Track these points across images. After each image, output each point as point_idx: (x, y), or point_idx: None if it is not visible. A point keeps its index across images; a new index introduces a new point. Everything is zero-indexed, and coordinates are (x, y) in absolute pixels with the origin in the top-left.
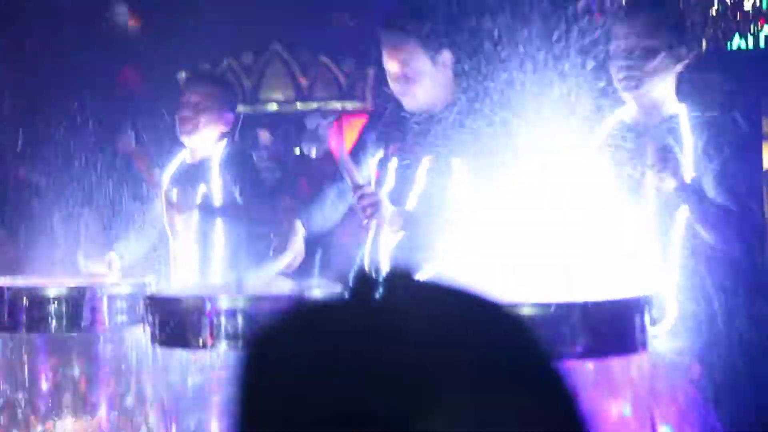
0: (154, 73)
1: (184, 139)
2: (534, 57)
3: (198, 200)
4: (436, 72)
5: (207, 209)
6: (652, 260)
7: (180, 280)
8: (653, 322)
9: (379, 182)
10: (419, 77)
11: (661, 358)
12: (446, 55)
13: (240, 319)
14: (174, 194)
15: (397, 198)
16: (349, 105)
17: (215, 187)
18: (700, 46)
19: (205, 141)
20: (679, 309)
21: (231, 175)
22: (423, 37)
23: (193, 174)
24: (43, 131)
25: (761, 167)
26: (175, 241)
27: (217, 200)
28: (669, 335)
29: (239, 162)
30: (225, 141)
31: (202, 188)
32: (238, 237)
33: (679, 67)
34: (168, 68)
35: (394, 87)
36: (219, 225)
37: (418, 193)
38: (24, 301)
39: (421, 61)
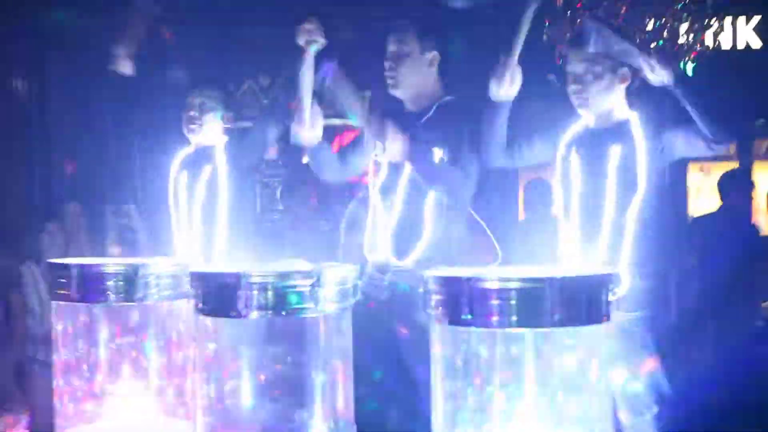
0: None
1: (190, 134)
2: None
3: (204, 181)
4: (421, 63)
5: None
6: (612, 239)
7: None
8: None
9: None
10: (408, 61)
11: (617, 327)
12: (434, 54)
13: (269, 292)
14: (184, 176)
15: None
16: (349, 121)
17: (221, 170)
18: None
19: (208, 133)
20: (631, 282)
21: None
22: (420, 31)
23: (198, 159)
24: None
25: None
26: (180, 221)
27: (222, 182)
28: (625, 306)
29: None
30: (225, 133)
31: (207, 170)
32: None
33: (624, 84)
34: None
35: (387, 72)
36: (225, 203)
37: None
38: (87, 276)
39: (414, 48)
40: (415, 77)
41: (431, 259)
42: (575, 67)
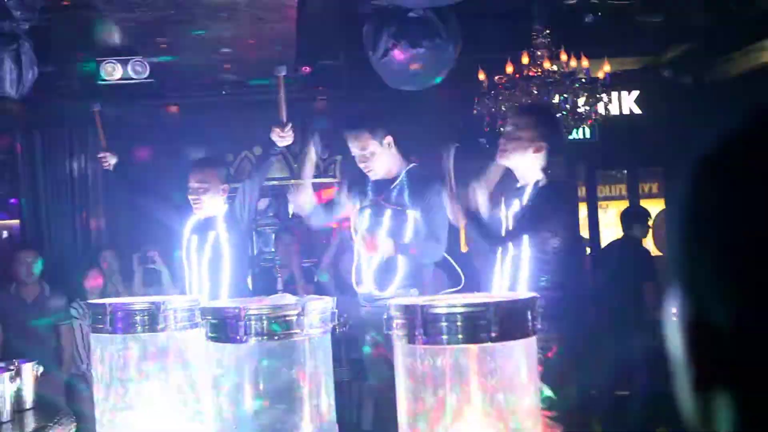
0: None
1: (195, 208)
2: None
3: (210, 243)
4: (383, 150)
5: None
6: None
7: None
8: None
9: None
10: (373, 155)
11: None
12: (389, 138)
13: (264, 321)
14: (194, 239)
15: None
16: (325, 180)
17: (222, 234)
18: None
19: (210, 206)
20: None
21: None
22: (371, 129)
23: (204, 227)
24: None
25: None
26: (191, 272)
27: (224, 244)
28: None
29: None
30: (226, 203)
31: (212, 235)
32: (242, 268)
33: (537, 154)
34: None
35: (360, 165)
36: (227, 260)
37: (386, 231)
38: (119, 312)
39: (373, 145)
40: (384, 159)
41: (406, 290)
42: (506, 126)
